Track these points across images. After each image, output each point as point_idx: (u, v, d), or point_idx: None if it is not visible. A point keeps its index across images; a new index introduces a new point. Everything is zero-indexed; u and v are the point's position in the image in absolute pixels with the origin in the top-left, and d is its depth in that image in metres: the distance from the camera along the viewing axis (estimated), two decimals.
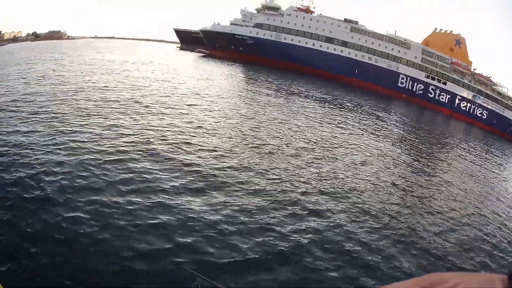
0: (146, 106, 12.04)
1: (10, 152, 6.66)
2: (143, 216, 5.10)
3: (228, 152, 8.63)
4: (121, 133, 8.63)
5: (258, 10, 51.18)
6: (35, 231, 4.39)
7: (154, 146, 8.02)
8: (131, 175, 6.33)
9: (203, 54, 53.75)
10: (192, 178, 6.67)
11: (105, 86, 14.73)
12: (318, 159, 9.79)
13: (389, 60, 46.59)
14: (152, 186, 6.06)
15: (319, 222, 5.98)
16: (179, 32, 73.18)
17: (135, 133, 8.77)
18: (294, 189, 7.21)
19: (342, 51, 46.90)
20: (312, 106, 19.34)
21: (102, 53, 37.85)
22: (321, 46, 47.29)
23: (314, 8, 50.32)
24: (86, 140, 7.71)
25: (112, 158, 6.94)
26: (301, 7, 49.26)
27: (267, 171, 7.86)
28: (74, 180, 5.79)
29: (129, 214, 5.10)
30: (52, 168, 6.07)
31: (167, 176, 6.56)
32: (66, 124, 8.72)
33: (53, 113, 9.63)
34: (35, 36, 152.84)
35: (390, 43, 46.88)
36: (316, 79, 39.59)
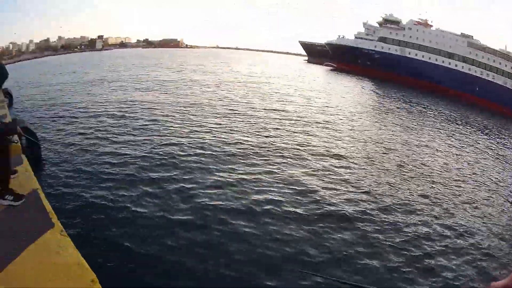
0: (291, 121, 12.24)
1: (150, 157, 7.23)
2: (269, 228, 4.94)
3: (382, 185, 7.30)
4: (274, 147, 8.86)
5: (380, 24, 51.05)
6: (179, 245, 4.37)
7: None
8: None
9: (331, 68, 54.54)
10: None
11: (248, 100, 15.57)
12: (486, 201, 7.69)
13: (504, 77, 43.87)
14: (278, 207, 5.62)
15: None
16: (305, 45, 75.53)
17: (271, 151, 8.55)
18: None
19: (462, 67, 45.32)
20: (448, 129, 17.10)
21: (233, 63, 40.38)
22: (443, 61, 46.12)
23: (431, 22, 49.33)
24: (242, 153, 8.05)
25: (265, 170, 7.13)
26: (420, 20, 48.24)
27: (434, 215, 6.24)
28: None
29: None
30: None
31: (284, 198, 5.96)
32: (220, 137, 9.17)
33: (207, 125, 10.36)
34: (147, 43, 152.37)
35: (504, 59, 44.24)
36: (442, 96, 37.17)
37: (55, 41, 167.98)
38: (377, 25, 52.64)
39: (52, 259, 2.43)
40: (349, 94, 24.57)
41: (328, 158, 8.56)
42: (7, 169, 3.20)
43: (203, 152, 7.85)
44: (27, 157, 4.32)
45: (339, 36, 54.66)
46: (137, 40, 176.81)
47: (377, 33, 51.01)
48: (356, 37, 53.12)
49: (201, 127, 10.14)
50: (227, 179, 6.42)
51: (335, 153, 9.05)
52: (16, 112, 11.78)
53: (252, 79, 26.01)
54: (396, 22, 49.41)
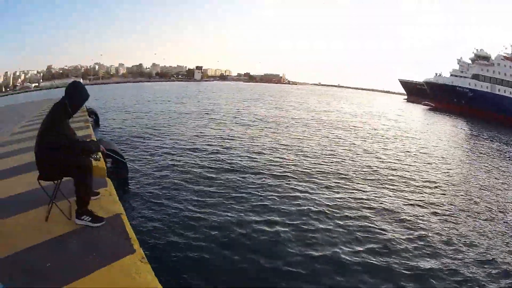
0: (390, 166, 11.06)
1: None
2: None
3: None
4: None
5: (472, 60, 50.23)
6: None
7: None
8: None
9: (429, 107, 54.56)
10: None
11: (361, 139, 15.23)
12: None
13: None
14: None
15: None
16: (404, 83, 75.62)
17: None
18: None
19: None
20: None
21: (334, 102, 41.53)
22: None
23: None
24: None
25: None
26: (506, 55, 46.19)
27: None
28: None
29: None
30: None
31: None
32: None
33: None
34: (249, 77, 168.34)
35: None
36: None
37: (148, 68, 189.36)
38: (470, 62, 50.35)
39: (126, 283, 2.35)
40: (446, 136, 22.45)
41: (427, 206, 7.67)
42: (87, 188, 3.10)
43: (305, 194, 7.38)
44: (112, 180, 4.34)
45: (436, 74, 54.06)
46: (238, 73, 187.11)
47: (470, 70, 48.89)
48: (451, 75, 52.16)
49: (298, 167, 9.59)
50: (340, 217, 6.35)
51: (433, 201, 7.99)
52: (103, 133, 12.17)
53: (353, 118, 25.30)
54: (486, 58, 46.72)
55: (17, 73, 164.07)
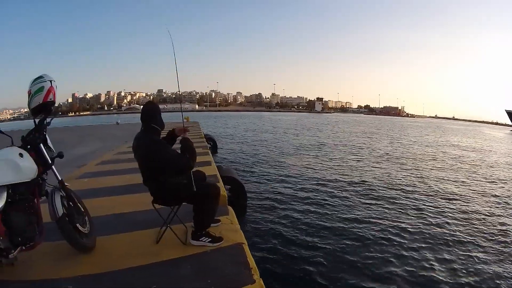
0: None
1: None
2: None
3: None
4: None
5: None
6: None
7: None
8: None
9: None
10: None
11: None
12: None
13: None
14: None
15: None
16: (510, 114, 73.67)
17: None
18: None
19: None
20: None
21: (450, 135, 38.77)
22: None
23: None
24: None
25: None
26: None
27: None
28: None
29: None
30: None
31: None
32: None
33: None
34: (369, 110, 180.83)
35: None
36: None
37: (268, 97, 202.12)
38: None
39: None
40: None
41: None
42: (209, 216, 2.96)
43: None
44: (233, 207, 4.22)
45: None
46: (358, 105, 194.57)
47: None
48: None
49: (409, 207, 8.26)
50: None
51: None
52: (221, 160, 12.38)
53: (469, 154, 22.15)
54: None
55: (122, 94, 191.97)
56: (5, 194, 2.12)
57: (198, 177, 2.97)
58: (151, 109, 2.93)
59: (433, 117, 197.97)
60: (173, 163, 2.74)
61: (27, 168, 2.28)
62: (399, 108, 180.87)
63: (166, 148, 2.76)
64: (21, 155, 2.27)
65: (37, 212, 2.36)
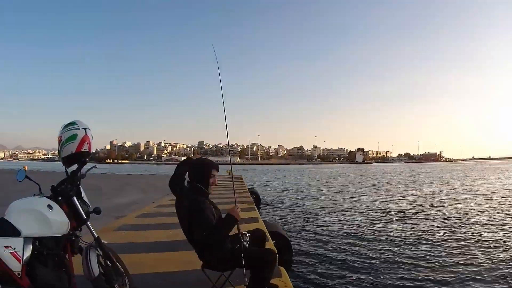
0: None
1: None
2: None
3: None
4: None
5: None
6: None
7: None
8: None
9: None
10: None
11: None
12: None
13: None
14: None
15: None
16: None
17: None
18: None
19: None
20: None
21: (486, 175, 38.86)
22: None
23: None
24: None
25: None
26: None
27: None
28: None
29: None
30: None
31: None
32: None
33: None
34: (409, 157, 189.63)
35: None
36: None
37: (309, 150, 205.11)
38: None
39: None
40: None
41: None
42: (264, 283, 2.59)
43: None
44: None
45: None
46: (398, 154, 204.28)
47: None
48: None
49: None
50: None
51: None
52: (264, 213, 12.28)
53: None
54: None
55: (162, 144, 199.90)
56: (30, 246, 1.92)
57: (256, 237, 2.79)
58: (202, 169, 2.67)
59: (470, 159, 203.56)
60: (203, 231, 2.38)
61: (56, 222, 2.05)
62: (438, 153, 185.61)
63: (204, 213, 2.44)
64: (50, 207, 2.05)
65: (69, 269, 2.14)
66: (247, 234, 2.64)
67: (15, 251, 1.83)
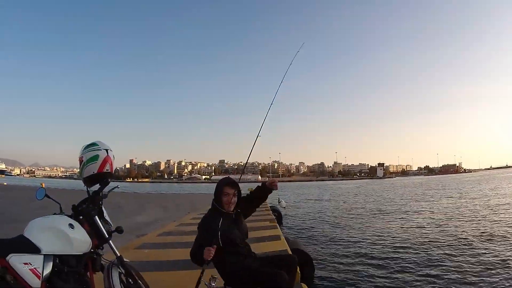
0: None
1: None
2: None
3: None
4: None
5: None
6: None
7: None
8: None
9: None
10: None
11: None
12: None
13: None
14: None
15: None
16: None
17: None
18: None
19: None
20: None
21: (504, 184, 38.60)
22: None
23: None
24: None
25: None
26: None
27: None
28: None
29: None
30: None
31: None
32: None
33: None
34: (428, 170, 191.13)
35: None
36: None
37: (330, 166, 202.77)
38: None
39: None
40: None
41: None
42: None
43: None
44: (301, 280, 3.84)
45: None
46: (418, 167, 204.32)
47: None
48: None
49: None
50: None
51: None
52: (286, 231, 12.11)
53: None
54: None
55: (183, 163, 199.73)
56: (51, 264, 1.93)
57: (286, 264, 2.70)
58: (216, 187, 2.78)
59: (488, 169, 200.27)
60: (192, 248, 2.63)
61: (77, 240, 2.06)
62: (457, 165, 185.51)
63: (199, 230, 2.68)
64: (71, 226, 2.07)
65: (90, 286, 2.14)
66: (216, 278, 2.49)
67: (34, 268, 1.85)
